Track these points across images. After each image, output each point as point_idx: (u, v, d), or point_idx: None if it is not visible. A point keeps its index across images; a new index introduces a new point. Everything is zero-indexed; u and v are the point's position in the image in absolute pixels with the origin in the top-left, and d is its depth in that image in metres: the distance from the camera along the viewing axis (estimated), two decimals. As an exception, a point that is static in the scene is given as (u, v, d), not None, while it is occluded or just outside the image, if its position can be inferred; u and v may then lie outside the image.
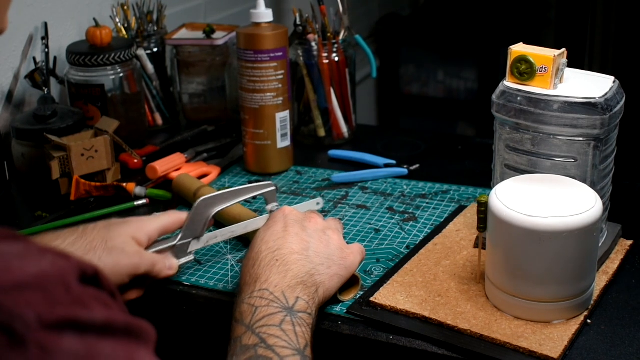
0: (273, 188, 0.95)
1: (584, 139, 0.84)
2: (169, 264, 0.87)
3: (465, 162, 1.26)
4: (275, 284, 0.77)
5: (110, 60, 1.28)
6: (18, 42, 1.29)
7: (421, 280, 0.89)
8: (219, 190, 0.97)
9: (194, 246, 0.91)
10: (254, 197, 0.95)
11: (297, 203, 1.12)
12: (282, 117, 1.21)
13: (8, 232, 0.47)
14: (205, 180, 1.20)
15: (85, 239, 0.81)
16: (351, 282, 0.86)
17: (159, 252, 0.88)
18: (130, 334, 0.47)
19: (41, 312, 0.43)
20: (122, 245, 0.82)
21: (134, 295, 0.85)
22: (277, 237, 0.82)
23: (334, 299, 0.84)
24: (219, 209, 0.91)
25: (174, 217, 0.90)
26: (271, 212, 0.94)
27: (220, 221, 1.01)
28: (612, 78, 0.88)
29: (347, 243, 0.86)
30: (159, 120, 1.45)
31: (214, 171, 1.23)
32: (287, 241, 0.81)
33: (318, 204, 1.01)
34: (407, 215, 1.07)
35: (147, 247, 0.87)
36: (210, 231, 0.94)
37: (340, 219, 0.95)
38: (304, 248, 0.81)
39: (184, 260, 0.90)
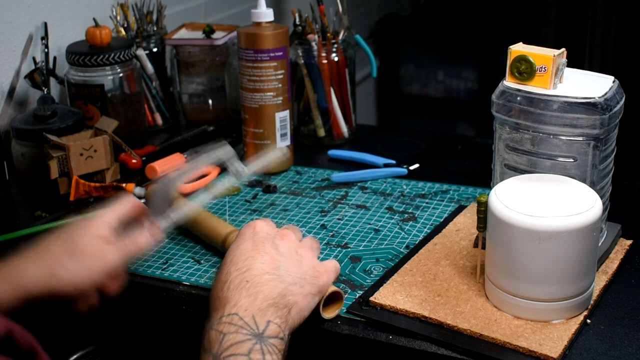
0: (229, 148, 0.91)
1: (584, 138, 0.84)
2: (145, 240, 0.86)
3: (465, 162, 1.26)
4: (245, 307, 0.72)
5: (110, 60, 1.28)
6: (18, 42, 1.29)
7: (421, 280, 0.89)
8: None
9: (163, 225, 0.89)
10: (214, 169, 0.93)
11: (296, 203, 1.12)
12: (282, 117, 1.21)
13: None
14: (205, 180, 1.20)
15: (47, 252, 0.80)
16: (335, 298, 0.84)
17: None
18: None
19: None
20: (87, 247, 0.80)
21: (115, 285, 0.83)
22: (247, 256, 0.77)
23: (312, 318, 0.80)
24: (180, 183, 0.89)
25: (131, 203, 0.87)
26: (237, 172, 0.92)
27: (192, 232, 1.01)
28: (612, 78, 0.88)
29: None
30: (159, 120, 1.45)
31: (213, 171, 1.23)
32: (257, 261, 0.77)
33: (284, 154, 0.99)
34: (406, 215, 1.07)
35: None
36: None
37: (317, 240, 0.90)
38: (275, 267, 0.77)
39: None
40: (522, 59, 0.85)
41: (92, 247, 0.80)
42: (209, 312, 0.75)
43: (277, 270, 0.77)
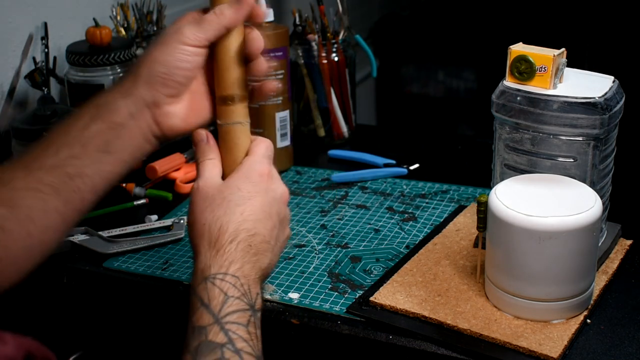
0: None
1: (584, 138, 0.84)
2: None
3: (465, 162, 1.26)
4: (246, 274, 0.70)
5: (110, 60, 1.28)
6: (18, 42, 1.29)
7: (421, 280, 0.89)
8: None
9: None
10: None
11: (296, 203, 1.12)
12: (282, 117, 1.21)
13: None
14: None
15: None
16: None
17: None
18: None
19: None
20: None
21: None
22: (256, 218, 0.73)
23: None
24: None
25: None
26: None
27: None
28: (612, 78, 0.88)
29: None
30: (159, 120, 1.45)
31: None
32: (263, 226, 0.73)
33: None
34: (406, 215, 1.07)
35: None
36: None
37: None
38: (272, 236, 0.75)
39: None
40: (522, 59, 0.85)
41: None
42: (204, 252, 0.71)
43: (273, 239, 0.75)
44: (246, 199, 0.74)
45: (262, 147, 0.78)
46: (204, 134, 0.79)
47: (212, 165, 0.77)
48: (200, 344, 0.66)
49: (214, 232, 0.72)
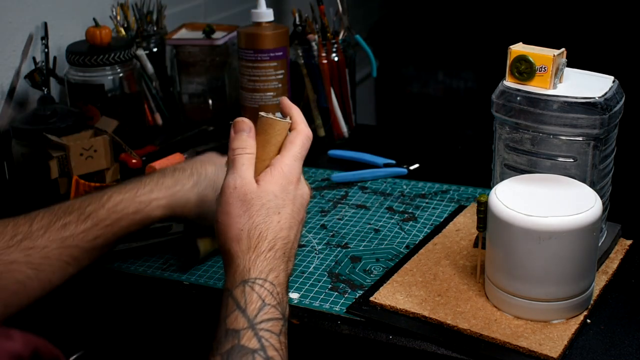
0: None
1: (584, 138, 0.84)
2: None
3: (465, 162, 1.26)
4: (281, 282, 0.73)
5: (110, 60, 1.28)
6: (18, 42, 1.29)
7: (421, 280, 0.89)
8: None
9: None
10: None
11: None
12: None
13: None
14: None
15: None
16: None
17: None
18: None
19: None
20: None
21: None
22: (289, 225, 0.76)
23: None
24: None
25: None
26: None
27: None
28: (612, 78, 0.88)
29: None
30: (159, 120, 1.45)
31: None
32: (293, 232, 0.77)
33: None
34: (406, 215, 1.07)
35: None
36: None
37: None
38: (297, 237, 0.78)
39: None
40: (522, 59, 0.85)
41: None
42: (236, 252, 0.73)
43: (297, 243, 0.78)
44: (281, 207, 0.76)
45: (297, 146, 0.80)
46: (248, 124, 0.79)
47: (249, 163, 0.78)
48: (233, 347, 0.67)
49: (253, 238, 0.74)
